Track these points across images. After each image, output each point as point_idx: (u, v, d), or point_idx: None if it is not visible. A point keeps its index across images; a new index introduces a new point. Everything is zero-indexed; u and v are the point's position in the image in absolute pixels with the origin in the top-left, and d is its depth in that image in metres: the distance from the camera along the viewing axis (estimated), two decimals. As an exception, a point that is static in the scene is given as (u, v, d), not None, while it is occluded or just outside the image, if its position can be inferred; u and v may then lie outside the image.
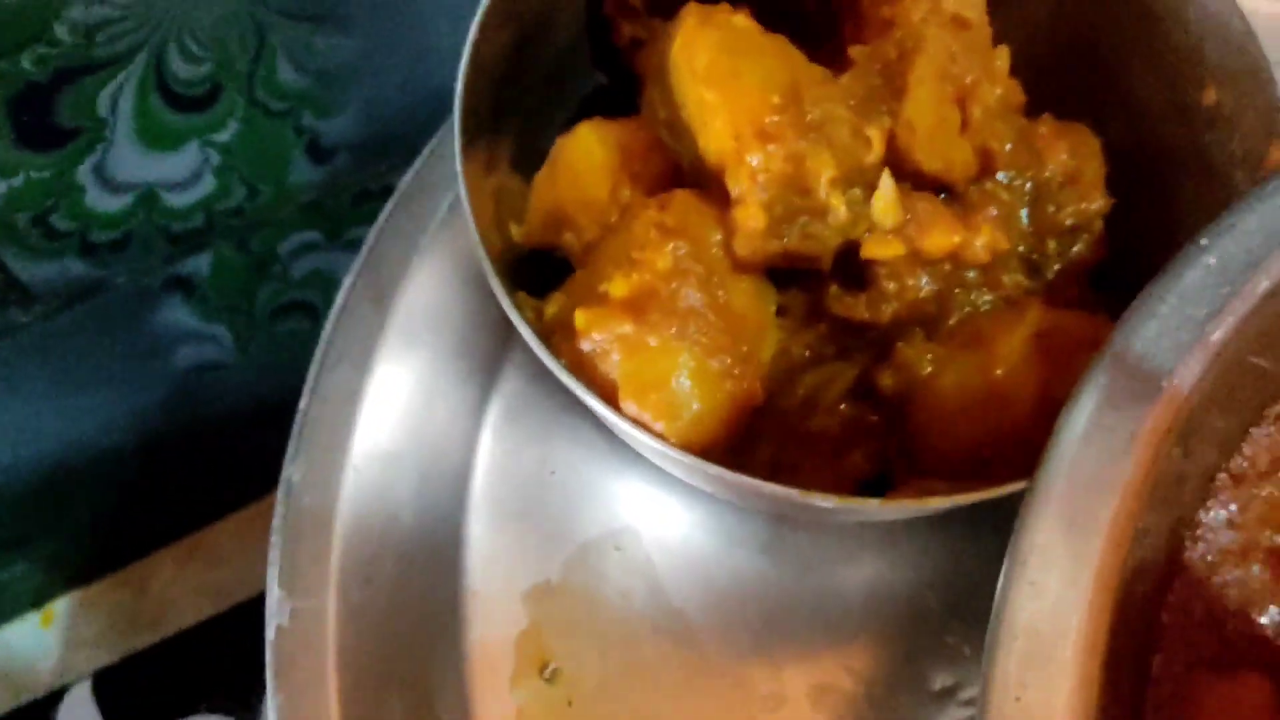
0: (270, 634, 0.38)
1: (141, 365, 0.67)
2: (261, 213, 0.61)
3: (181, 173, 0.55)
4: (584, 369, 0.33)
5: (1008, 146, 0.39)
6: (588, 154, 0.40)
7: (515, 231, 0.40)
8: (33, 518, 0.70)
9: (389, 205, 0.41)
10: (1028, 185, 0.39)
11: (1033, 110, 0.42)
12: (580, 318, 0.33)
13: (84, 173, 0.52)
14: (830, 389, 0.39)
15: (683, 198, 0.35)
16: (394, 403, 0.41)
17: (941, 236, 0.35)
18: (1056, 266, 0.41)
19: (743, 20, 0.36)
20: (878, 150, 0.34)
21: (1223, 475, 0.35)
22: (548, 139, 0.42)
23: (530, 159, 0.42)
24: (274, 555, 0.39)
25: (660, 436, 0.33)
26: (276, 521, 0.39)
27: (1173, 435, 0.32)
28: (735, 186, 0.34)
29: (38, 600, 0.76)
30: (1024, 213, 0.40)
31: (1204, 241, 0.34)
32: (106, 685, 0.71)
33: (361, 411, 0.40)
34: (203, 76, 0.50)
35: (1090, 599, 0.30)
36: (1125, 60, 0.42)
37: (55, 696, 0.71)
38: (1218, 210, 0.32)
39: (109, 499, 0.73)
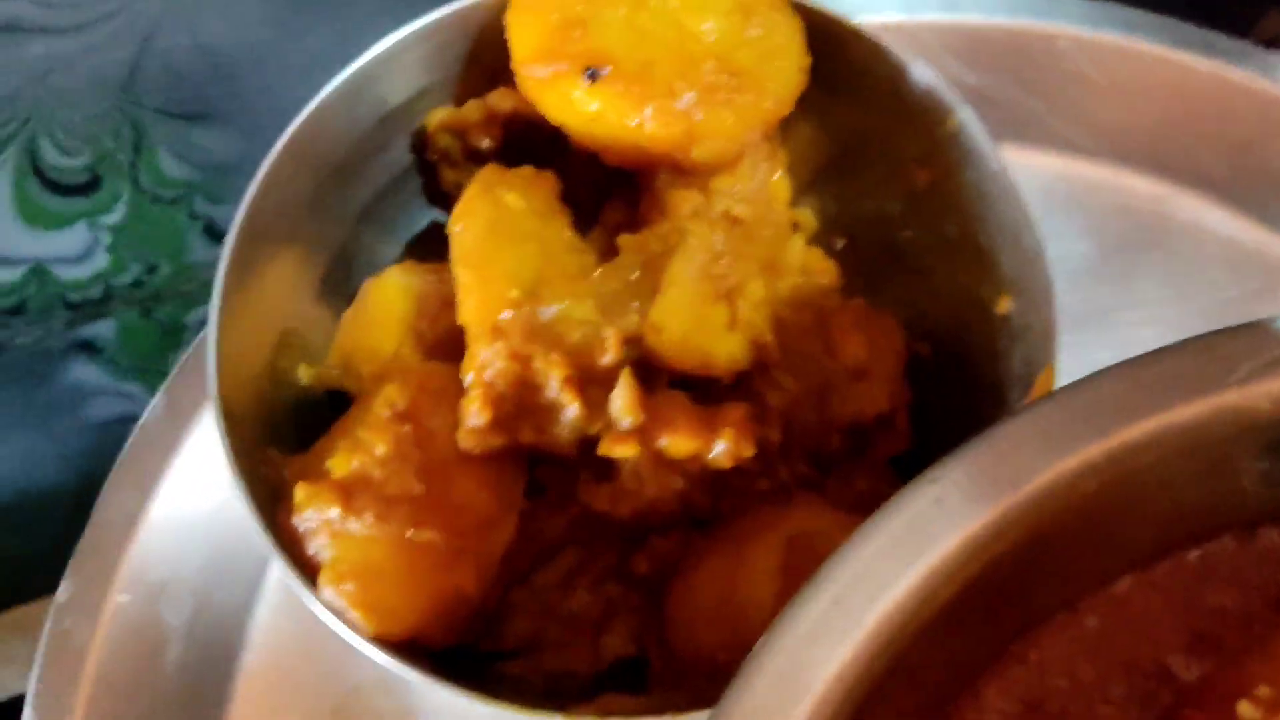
0: (13, 756, 0.38)
1: (55, 416, 0.68)
2: (164, 287, 0.62)
3: (72, 249, 0.57)
4: (298, 545, 0.34)
5: (792, 337, 0.38)
6: (388, 302, 0.40)
7: (305, 373, 0.40)
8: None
9: (199, 337, 0.42)
10: (812, 377, 0.39)
11: (851, 289, 0.42)
12: (298, 492, 0.33)
13: (-30, 246, 0.53)
14: (589, 568, 0.38)
15: (423, 376, 0.35)
16: (177, 529, 0.41)
17: (682, 440, 0.34)
18: (844, 459, 0.40)
19: (516, 199, 0.36)
20: (614, 352, 0.34)
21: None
22: (368, 274, 0.42)
23: (346, 293, 0.43)
24: (33, 674, 0.39)
25: (354, 627, 0.33)
26: (42, 640, 0.39)
27: (868, 685, 0.32)
28: (465, 376, 0.34)
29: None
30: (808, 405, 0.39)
31: (934, 476, 0.33)
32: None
33: (139, 536, 0.41)
34: (81, 167, 0.51)
35: None
36: (940, 254, 0.41)
37: None
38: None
39: (42, 533, 0.75)
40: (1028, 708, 0.35)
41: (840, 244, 0.45)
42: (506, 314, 0.33)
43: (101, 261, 0.58)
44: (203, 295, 0.63)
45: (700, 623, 0.37)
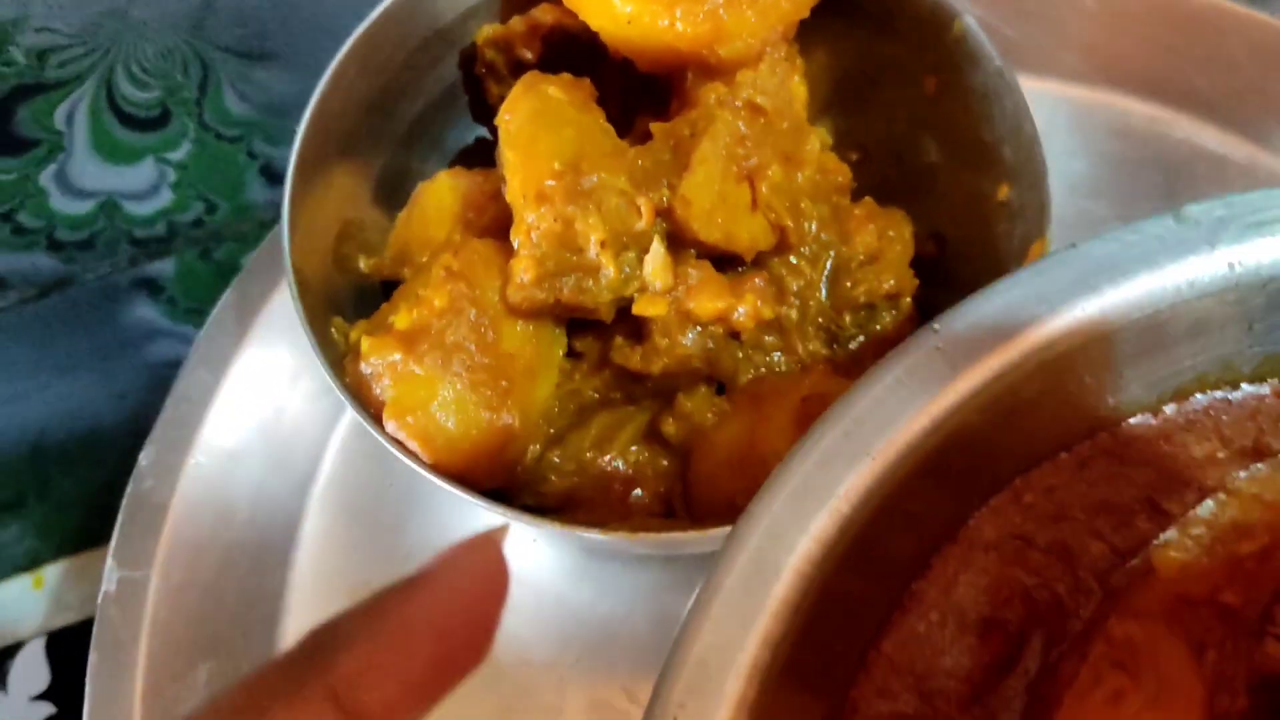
0: (99, 597, 0.42)
1: (116, 356, 0.72)
2: (221, 226, 0.66)
3: (140, 185, 0.61)
4: (362, 389, 0.37)
5: (811, 225, 0.42)
6: (439, 199, 0.44)
7: (364, 263, 0.44)
8: (23, 483, 0.75)
9: (273, 230, 0.46)
10: (827, 262, 0.42)
11: (862, 196, 0.45)
12: (364, 343, 0.37)
13: (46, 178, 0.58)
14: (622, 430, 0.42)
15: (474, 246, 0.39)
16: (245, 408, 0.45)
17: (708, 301, 0.38)
18: (860, 338, 0.44)
19: (557, 91, 0.40)
20: (647, 218, 0.37)
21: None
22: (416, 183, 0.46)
23: (398, 201, 0.47)
24: (116, 529, 0.43)
25: (414, 455, 0.36)
26: (124, 500, 0.43)
27: (875, 500, 0.35)
28: (514, 239, 0.38)
29: (31, 563, 0.82)
30: (823, 287, 0.43)
31: (936, 326, 0.37)
32: (59, 643, 0.77)
33: (211, 412, 0.45)
34: (152, 101, 0.55)
35: (760, 642, 0.33)
36: (946, 158, 0.45)
37: (12, 650, 0.77)
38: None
39: (96, 475, 0.79)
40: (1021, 541, 0.38)
41: (854, 157, 0.48)
42: (550, 182, 0.37)
43: (166, 198, 0.62)
44: (258, 236, 0.67)
45: (722, 475, 0.40)
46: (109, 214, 0.62)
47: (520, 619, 0.44)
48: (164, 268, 0.67)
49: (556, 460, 0.42)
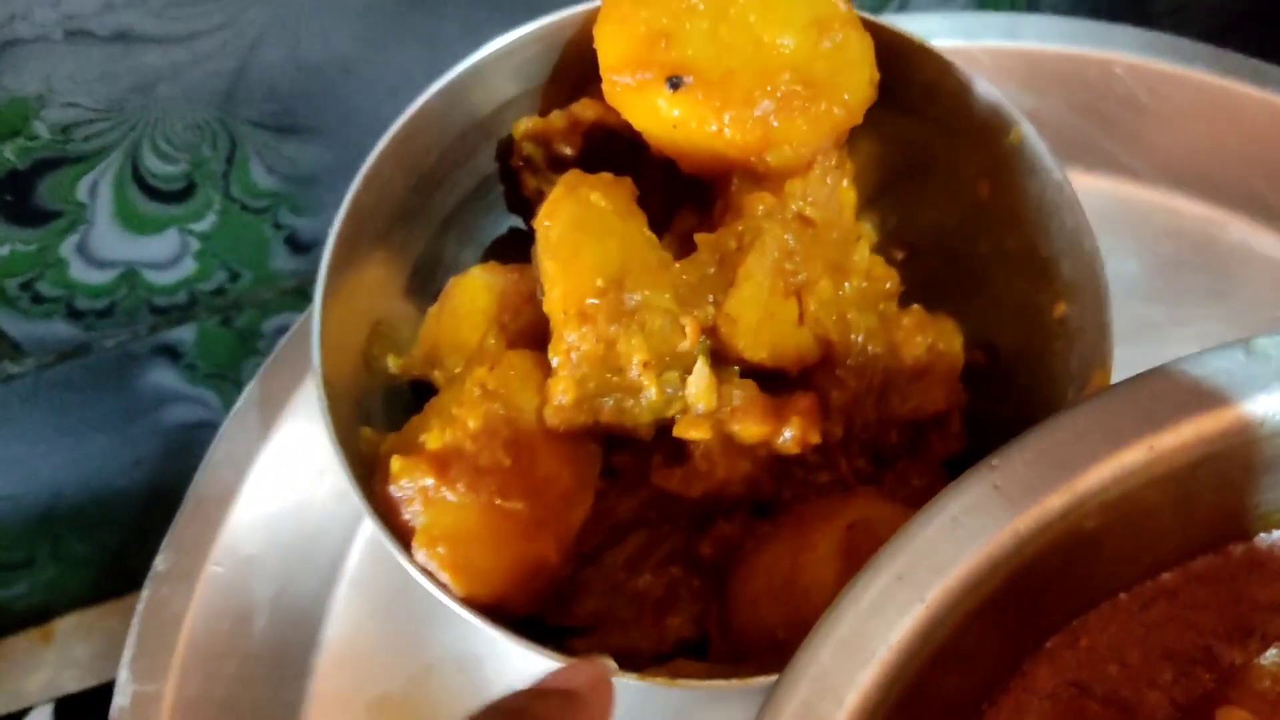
0: (112, 712, 0.41)
1: (132, 420, 0.71)
2: (244, 294, 0.65)
3: (163, 255, 0.60)
4: (392, 512, 0.36)
5: (858, 337, 0.40)
6: (472, 298, 0.43)
7: (393, 363, 0.43)
8: (35, 544, 0.74)
9: (301, 317, 0.44)
10: (874, 377, 0.41)
11: (910, 298, 0.44)
12: (395, 463, 0.36)
13: (67, 248, 0.57)
14: (656, 550, 0.40)
15: (510, 361, 0.37)
16: (267, 510, 0.44)
17: (754, 425, 0.37)
18: (902, 455, 0.42)
19: (599, 199, 0.39)
20: (692, 339, 0.36)
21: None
22: (451, 276, 0.45)
23: (430, 292, 0.45)
24: (130, 639, 0.42)
25: (444, 588, 0.35)
26: (139, 607, 0.42)
27: (928, 649, 0.33)
28: (553, 358, 0.36)
29: (40, 618, 0.81)
30: (868, 402, 0.41)
31: (995, 462, 0.35)
32: (67, 710, 0.75)
33: (233, 514, 0.43)
34: (178, 174, 0.54)
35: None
36: (998, 264, 0.43)
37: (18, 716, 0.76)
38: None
39: (110, 537, 0.78)
40: (1077, 690, 0.36)
41: (900, 256, 0.47)
42: (593, 300, 0.35)
43: (189, 268, 0.61)
44: (280, 304, 0.66)
45: (763, 603, 0.39)
46: (130, 283, 0.61)
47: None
48: (184, 334, 0.66)
49: (589, 579, 0.40)
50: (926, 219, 0.47)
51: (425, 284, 0.46)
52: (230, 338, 0.67)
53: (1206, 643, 0.36)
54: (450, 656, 0.44)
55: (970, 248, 0.45)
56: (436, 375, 0.42)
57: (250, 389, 0.45)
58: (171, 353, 0.66)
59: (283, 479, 0.44)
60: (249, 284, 0.63)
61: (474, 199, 0.46)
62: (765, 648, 0.38)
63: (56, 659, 0.84)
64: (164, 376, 0.68)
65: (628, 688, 0.40)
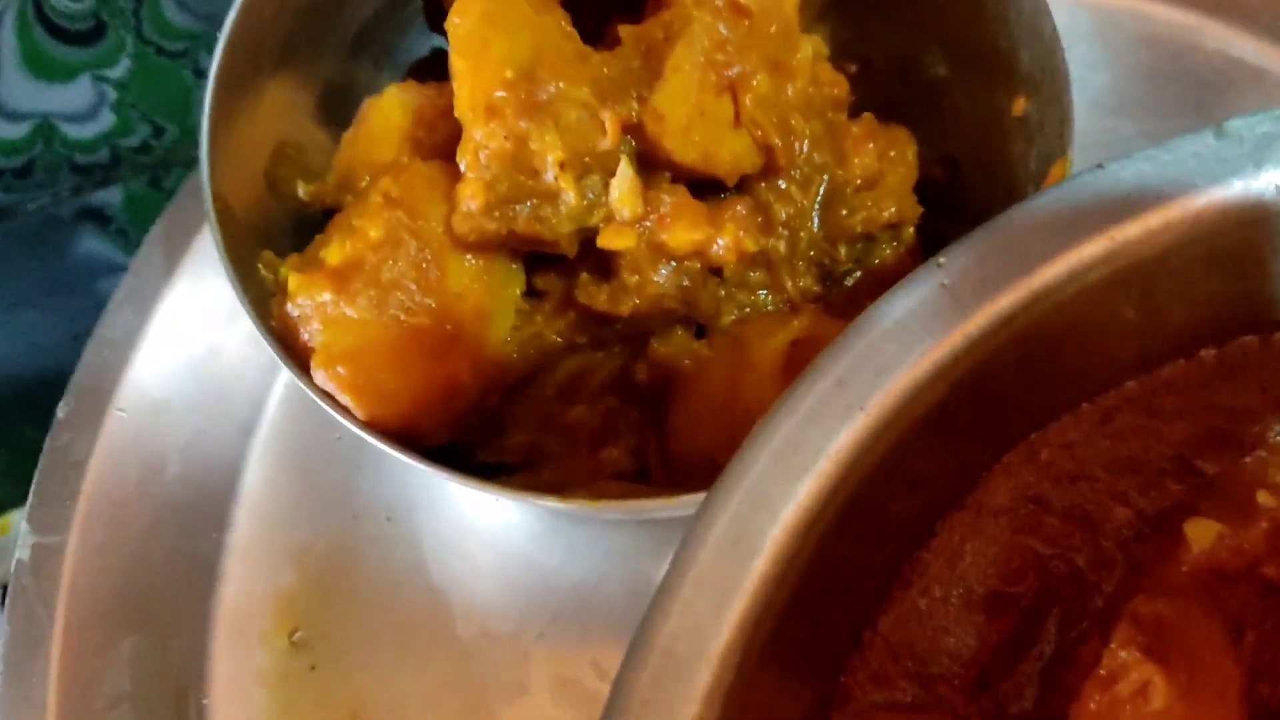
0: (11, 566, 0.38)
1: (68, 292, 0.67)
2: (170, 151, 0.61)
3: (77, 105, 0.56)
4: (289, 333, 0.33)
5: (802, 144, 0.37)
6: (386, 116, 0.40)
7: (303, 189, 0.40)
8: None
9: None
10: (820, 187, 0.38)
11: (861, 108, 0.40)
12: (291, 280, 0.33)
13: (-24, 99, 0.53)
14: (590, 379, 0.38)
15: (417, 169, 0.34)
16: (175, 351, 0.41)
17: (683, 232, 0.33)
18: (857, 274, 0.39)
19: (514, -11, 0.35)
20: (612, 135, 0.32)
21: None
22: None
23: (345, 119, 0.42)
24: (31, 492, 0.39)
25: (346, 412, 0.32)
26: (41, 459, 0.39)
27: (870, 460, 0.31)
28: (461, 160, 0.33)
29: (-2, 508, 0.79)
30: (815, 215, 0.38)
31: (941, 260, 0.32)
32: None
33: (136, 356, 0.40)
34: (84, 12, 0.50)
35: (737, 624, 0.29)
36: (956, 68, 0.40)
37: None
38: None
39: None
40: (1036, 505, 0.34)
41: (852, 69, 0.43)
42: (501, 93, 0.32)
43: (107, 121, 0.58)
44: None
45: (701, 427, 0.36)
46: (46, 138, 0.57)
47: (482, 585, 0.40)
48: (110, 196, 0.62)
49: (518, 413, 0.37)
50: (879, 30, 0.43)
51: (339, 109, 0.42)
52: (161, 200, 0.63)
53: (1177, 453, 0.34)
54: (378, 505, 0.41)
55: (927, 56, 0.42)
56: (349, 200, 0.39)
57: (156, 229, 0.42)
58: (99, 217, 0.62)
59: (193, 322, 0.41)
60: (174, 139, 0.60)
61: (387, 15, 0.43)
62: (706, 472, 0.36)
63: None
64: (94, 245, 0.64)
65: (560, 517, 0.37)
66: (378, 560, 0.41)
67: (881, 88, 0.43)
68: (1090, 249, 0.32)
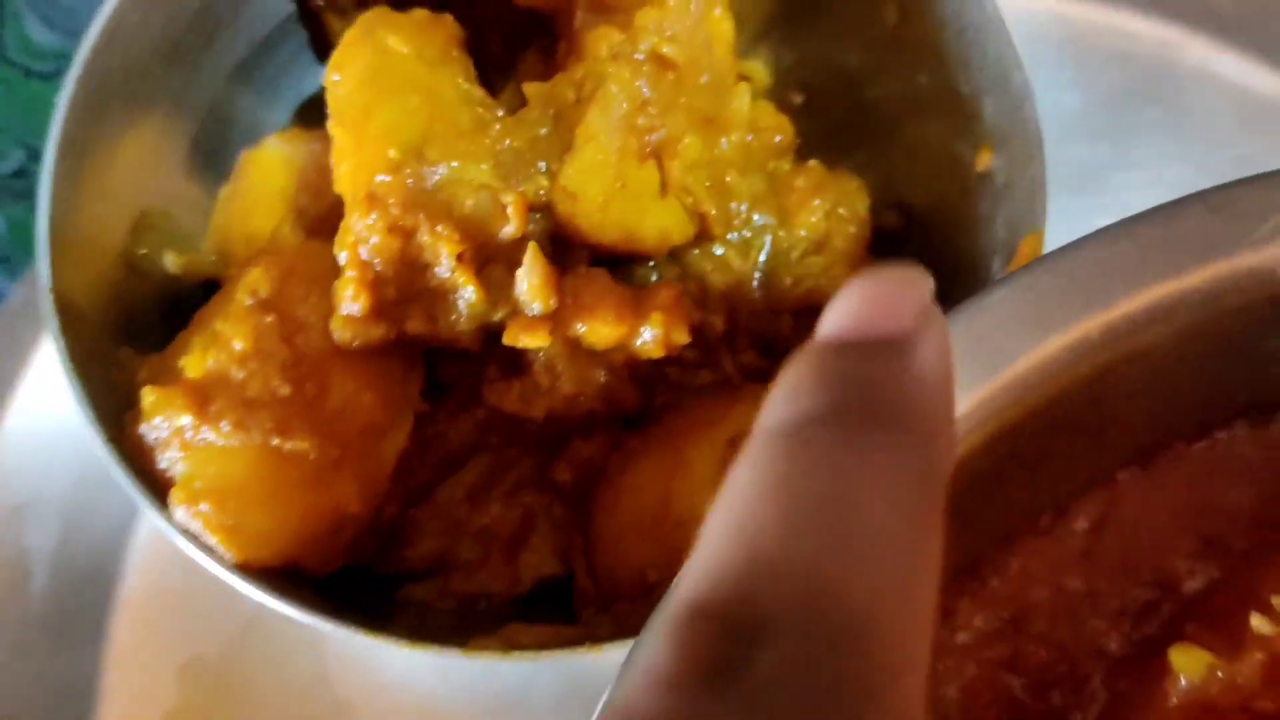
0: None
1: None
2: (52, 175, 0.55)
3: (-59, 133, 0.50)
4: (147, 459, 0.28)
5: (740, 205, 0.33)
6: (265, 177, 0.35)
7: (172, 262, 0.35)
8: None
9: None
10: (762, 252, 0.33)
11: (809, 152, 0.36)
12: (145, 396, 0.28)
13: None
14: (505, 475, 0.33)
15: (294, 258, 0.29)
16: (37, 445, 0.36)
17: (603, 326, 0.29)
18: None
19: (399, 42, 0.30)
20: (517, 221, 0.28)
21: None
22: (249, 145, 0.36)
23: (223, 168, 0.37)
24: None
25: (213, 554, 0.27)
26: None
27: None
28: (339, 252, 0.28)
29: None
30: (755, 283, 0.34)
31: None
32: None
33: (-10, 456, 0.35)
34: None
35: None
36: (911, 108, 0.35)
37: None
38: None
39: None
40: (1008, 624, 0.30)
41: (797, 100, 0.39)
42: (383, 178, 0.27)
43: (-22, 148, 0.52)
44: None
45: (630, 537, 0.32)
46: (-92, 168, 0.51)
47: (393, 698, 0.36)
48: (-10, 225, 0.56)
49: (422, 518, 0.33)
50: (828, 54, 0.38)
51: (216, 157, 0.37)
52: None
53: (1160, 562, 0.30)
54: (278, 610, 0.36)
55: (879, 88, 0.37)
56: (233, 274, 0.34)
57: (9, 302, 0.36)
58: (-21, 247, 0.57)
59: (56, 408, 0.36)
60: (55, 163, 0.54)
61: (271, 46, 0.37)
62: (635, 591, 0.31)
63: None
64: (-22, 273, 0.59)
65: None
66: (276, 672, 0.37)
67: (828, 118, 0.38)
68: (1065, 342, 0.28)
